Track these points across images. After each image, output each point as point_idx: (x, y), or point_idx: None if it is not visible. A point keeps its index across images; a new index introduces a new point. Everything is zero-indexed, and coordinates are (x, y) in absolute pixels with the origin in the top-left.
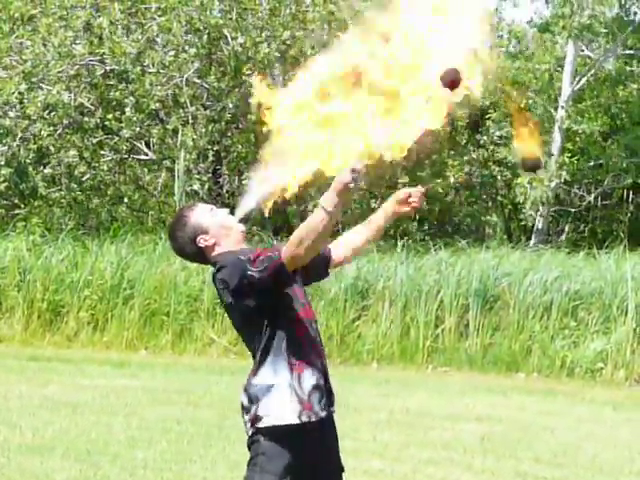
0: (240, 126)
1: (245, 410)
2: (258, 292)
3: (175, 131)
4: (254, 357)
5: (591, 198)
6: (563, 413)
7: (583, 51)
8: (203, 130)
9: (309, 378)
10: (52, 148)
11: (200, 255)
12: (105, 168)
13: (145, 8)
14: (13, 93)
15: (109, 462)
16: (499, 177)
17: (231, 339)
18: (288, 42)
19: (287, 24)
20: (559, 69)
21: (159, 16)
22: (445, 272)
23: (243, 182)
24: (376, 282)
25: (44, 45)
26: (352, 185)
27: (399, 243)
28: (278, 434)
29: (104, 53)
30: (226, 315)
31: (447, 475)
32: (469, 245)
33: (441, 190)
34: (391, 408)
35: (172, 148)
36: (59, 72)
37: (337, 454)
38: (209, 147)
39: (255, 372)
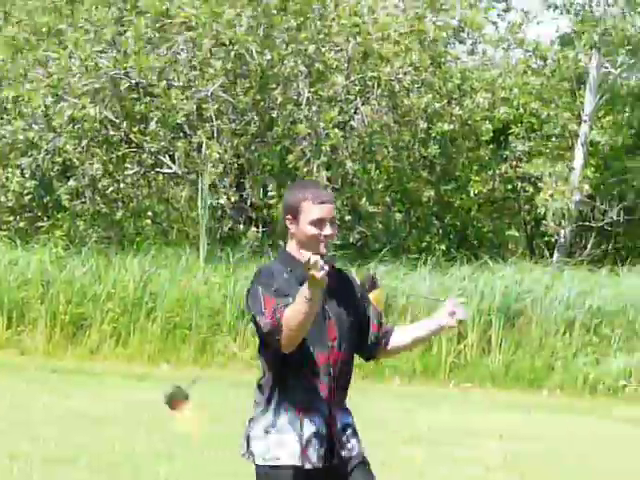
0: (265, 140)
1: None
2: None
3: (200, 145)
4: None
5: (613, 214)
6: (584, 430)
7: (606, 67)
8: (228, 144)
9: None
10: (76, 161)
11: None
12: (129, 181)
13: (171, 22)
14: (39, 106)
15: (131, 475)
16: (522, 192)
17: (253, 354)
18: (314, 56)
19: (313, 38)
20: (581, 85)
21: (186, 30)
22: (468, 287)
23: (268, 195)
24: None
25: (70, 58)
26: (320, 275)
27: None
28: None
29: (130, 67)
30: (248, 328)
31: None
32: (492, 260)
33: (463, 205)
34: (414, 424)
35: (196, 162)
36: (84, 85)
37: None
38: (234, 160)
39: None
